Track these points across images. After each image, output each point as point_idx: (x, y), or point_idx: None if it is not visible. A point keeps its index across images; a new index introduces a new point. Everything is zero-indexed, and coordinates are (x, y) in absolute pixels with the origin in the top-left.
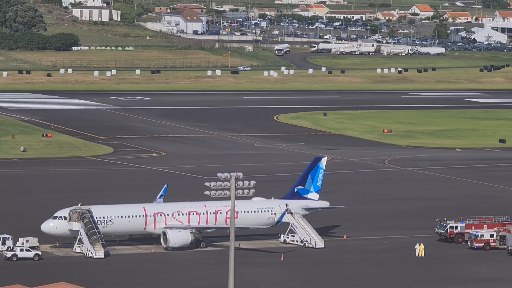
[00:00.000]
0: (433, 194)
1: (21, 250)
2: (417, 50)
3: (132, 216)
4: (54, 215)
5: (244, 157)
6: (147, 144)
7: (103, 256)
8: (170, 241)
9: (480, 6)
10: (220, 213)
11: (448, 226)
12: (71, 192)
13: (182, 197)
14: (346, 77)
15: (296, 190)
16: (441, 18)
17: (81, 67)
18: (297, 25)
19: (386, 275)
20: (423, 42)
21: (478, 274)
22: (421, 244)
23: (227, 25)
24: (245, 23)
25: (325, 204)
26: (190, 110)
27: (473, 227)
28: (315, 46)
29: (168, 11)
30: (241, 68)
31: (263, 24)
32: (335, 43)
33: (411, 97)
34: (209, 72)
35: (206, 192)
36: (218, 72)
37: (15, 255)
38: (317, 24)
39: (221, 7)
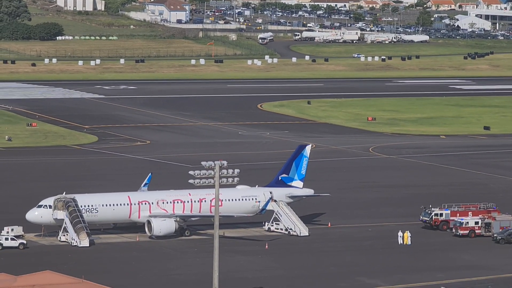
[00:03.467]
0: (418, 181)
1: (6, 239)
2: (400, 37)
3: (117, 205)
4: (39, 204)
5: (228, 145)
6: (132, 133)
7: (87, 245)
8: (155, 229)
9: None
10: (205, 201)
11: (433, 214)
12: (56, 181)
13: (166, 185)
14: (330, 65)
15: (280, 178)
16: (425, 5)
17: (66, 56)
18: (280, 13)
19: (370, 262)
20: (407, 29)
21: (462, 262)
22: (407, 232)
23: (210, 14)
24: (228, 12)
25: (309, 192)
26: (174, 98)
27: (458, 215)
28: (298, 35)
29: (152, 0)
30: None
31: (247, 12)
32: (318, 31)
33: (395, 85)
34: (193, 61)
35: (191, 181)
36: (202, 61)
37: (0, 244)
38: (300, 13)
39: None
